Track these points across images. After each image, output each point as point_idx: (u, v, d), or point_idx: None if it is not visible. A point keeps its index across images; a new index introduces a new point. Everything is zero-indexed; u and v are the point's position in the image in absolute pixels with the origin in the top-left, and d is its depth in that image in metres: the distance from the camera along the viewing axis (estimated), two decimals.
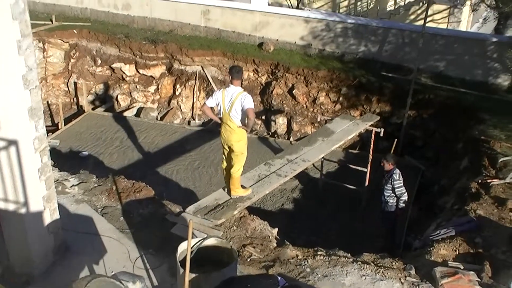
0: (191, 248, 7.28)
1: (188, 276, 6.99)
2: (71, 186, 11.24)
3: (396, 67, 18.60)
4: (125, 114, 20.41)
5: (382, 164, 11.92)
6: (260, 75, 19.97)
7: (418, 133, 17.45)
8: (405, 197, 11.88)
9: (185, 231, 9.36)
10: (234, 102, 9.60)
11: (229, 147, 10.12)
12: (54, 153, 8.90)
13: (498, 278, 8.81)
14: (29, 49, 7.59)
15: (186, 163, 17.05)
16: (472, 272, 8.83)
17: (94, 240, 9.49)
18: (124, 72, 21.13)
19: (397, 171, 11.77)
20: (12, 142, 7.52)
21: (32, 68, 7.69)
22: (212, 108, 10.22)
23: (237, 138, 9.91)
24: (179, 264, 7.36)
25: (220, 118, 10.03)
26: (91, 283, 5.96)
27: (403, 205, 12.00)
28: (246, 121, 9.84)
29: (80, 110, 21.11)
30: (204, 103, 10.31)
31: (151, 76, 21.01)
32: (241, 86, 9.91)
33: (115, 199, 10.84)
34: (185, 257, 7.13)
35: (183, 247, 7.60)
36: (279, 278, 7.35)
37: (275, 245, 10.04)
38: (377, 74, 18.45)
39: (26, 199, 7.98)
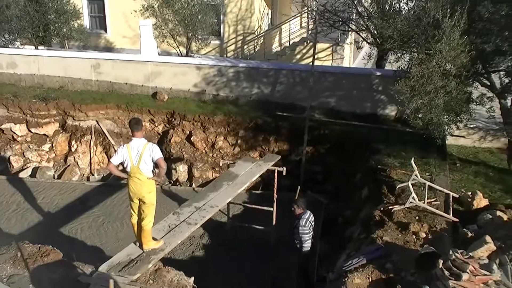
0: None
1: None
2: None
3: (290, 106, 19.17)
4: (20, 175, 19.66)
5: (293, 209, 12.15)
6: (156, 124, 19.97)
7: (317, 168, 17.99)
8: (307, 244, 12.14)
9: None
10: (142, 154, 9.58)
11: (140, 200, 10.02)
12: None
13: None
14: None
15: (90, 220, 16.58)
16: None
17: None
18: (14, 132, 20.41)
19: (305, 216, 12.03)
20: None
21: None
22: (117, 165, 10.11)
23: (147, 189, 9.87)
24: None
25: (127, 173, 9.92)
26: None
27: (305, 250, 12.23)
28: (156, 172, 9.84)
29: None
30: (109, 161, 10.18)
31: (44, 135, 20.43)
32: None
33: (21, 266, 10.37)
34: None
35: None
36: None
37: None
38: (272, 114, 18.93)
39: None
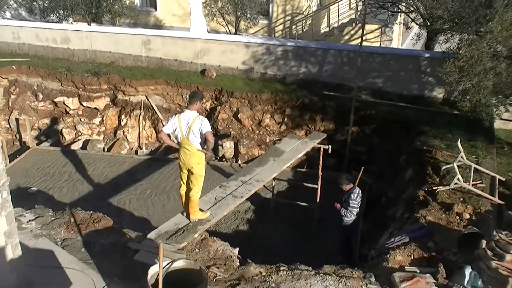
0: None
1: None
2: (27, 222, 11.13)
3: (337, 86, 19.25)
4: (71, 147, 20.25)
5: (341, 186, 12.33)
6: (204, 101, 20.20)
7: (362, 148, 18.02)
8: (351, 218, 12.36)
9: (149, 258, 9.53)
10: (191, 126, 9.80)
11: (189, 170, 10.28)
12: None
13: (452, 278, 9.31)
14: None
15: (138, 192, 17.06)
16: (428, 275, 9.30)
17: (57, 273, 9.43)
18: (67, 106, 21.00)
19: (356, 191, 12.21)
20: None
21: None
22: (169, 135, 10.39)
23: (196, 160, 10.10)
24: (150, 287, 7.45)
25: (179, 143, 10.20)
26: None
27: (348, 224, 12.47)
28: (205, 145, 10.07)
29: (24, 147, 20.84)
30: (161, 130, 10.48)
31: (95, 108, 20.96)
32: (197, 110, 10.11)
33: (74, 231, 10.80)
34: (156, 280, 7.24)
35: (153, 270, 7.71)
36: None
37: (238, 264, 10.22)
38: (319, 94, 19.04)
39: None
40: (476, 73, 13.48)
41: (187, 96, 10.52)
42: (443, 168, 13.54)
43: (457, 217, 11.57)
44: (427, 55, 18.93)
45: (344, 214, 12.25)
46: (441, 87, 18.28)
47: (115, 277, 9.37)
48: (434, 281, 9.16)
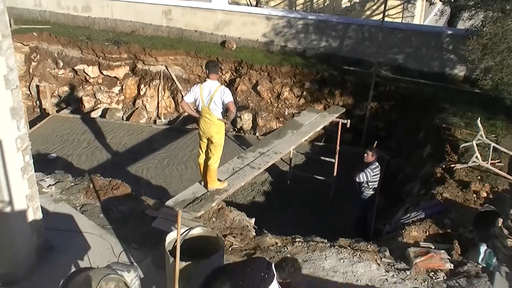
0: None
1: (179, 264, 7.19)
2: (47, 186, 11.30)
3: (357, 61, 19.13)
4: (91, 115, 20.41)
5: (365, 154, 12.33)
6: (223, 72, 20.18)
7: (381, 124, 17.96)
8: (369, 192, 12.53)
9: (166, 225, 9.63)
10: (213, 96, 9.86)
11: (208, 139, 10.37)
12: None
13: (467, 255, 9.33)
14: (9, 49, 7.70)
15: (156, 161, 17.21)
16: (443, 251, 9.35)
17: (76, 237, 9.61)
18: (87, 74, 21.07)
19: (376, 164, 12.25)
20: None
21: (13, 68, 7.79)
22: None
23: (216, 129, 10.19)
24: (168, 253, 7.55)
25: (199, 112, 10.25)
26: (92, 276, 6.09)
27: (366, 198, 12.61)
28: (226, 114, 10.13)
29: (43, 113, 21.04)
30: (182, 98, 10.53)
31: (115, 77, 21.01)
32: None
33: (93, 197, 10.95)
34: (174, 247, 7.34)
35: (171, 237, 7.81)
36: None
37: (254, 234, 10.34)
38: (339, 68, 18.93)
39: (10, 198, 8.07)
40: (499, 51, 13.35)
41: (205, 64, 10.47)
42: (461, 146, 13.45)
43: (474, 195, 11.54)
44: (449, 32, 18.73)
45: (362, 192, 12.28)
46: (463, 65, 18.10)
47: (132, 243, 9.52)
48: (449, 257, 9.21)
